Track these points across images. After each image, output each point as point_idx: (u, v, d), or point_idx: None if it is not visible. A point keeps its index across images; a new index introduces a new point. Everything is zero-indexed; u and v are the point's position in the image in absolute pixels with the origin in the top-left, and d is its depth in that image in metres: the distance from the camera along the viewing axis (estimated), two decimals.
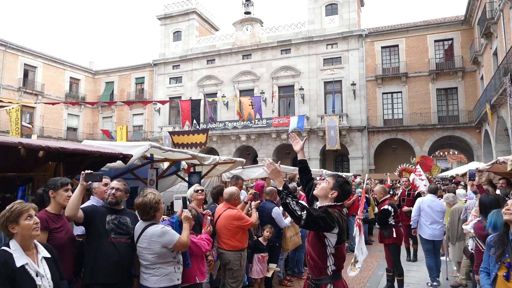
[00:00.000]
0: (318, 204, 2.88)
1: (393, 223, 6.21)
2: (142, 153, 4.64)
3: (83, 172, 3.21)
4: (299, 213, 2.49)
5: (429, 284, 6.66)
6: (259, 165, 8.63)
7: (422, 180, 9.30)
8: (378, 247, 9.90)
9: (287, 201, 2.52)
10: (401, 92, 25.64)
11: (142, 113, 33.39)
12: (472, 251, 5.12)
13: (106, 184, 3.82)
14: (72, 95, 34.20)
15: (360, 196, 9.45)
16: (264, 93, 27.95)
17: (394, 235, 6.13)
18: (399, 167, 12.44)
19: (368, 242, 10.64)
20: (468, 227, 4.93)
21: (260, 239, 5.70)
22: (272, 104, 27.03)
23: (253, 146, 28.45)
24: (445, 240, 7.20)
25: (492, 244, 3.09)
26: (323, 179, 2.92)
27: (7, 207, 2.45)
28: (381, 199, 6.47)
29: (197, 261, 3.94)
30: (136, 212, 3.45)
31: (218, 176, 8.05)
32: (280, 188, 2.57)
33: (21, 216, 2.42)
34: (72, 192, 3.25)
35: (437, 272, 6.66)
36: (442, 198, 7.80)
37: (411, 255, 8.86)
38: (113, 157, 4.21)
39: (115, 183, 3.50)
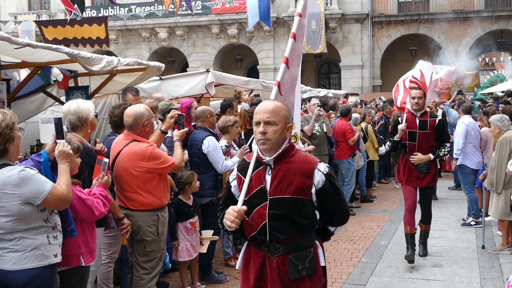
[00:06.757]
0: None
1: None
2: None
3: None
4: None
5: (473, 223, 8.84)
6: (190, 74, 8.59)
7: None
8: (381, 205, 10.49)
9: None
10: None
11: None
12: None
13: None
14: None
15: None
16: None
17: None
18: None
19: (367, 199, 11.22)
20: None
21: (180, 196, 5.73)
22: None
23: (180, 48, 28.14)
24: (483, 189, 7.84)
25: None
26: None
27: None
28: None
29: (83, 231, 3.96)
30: None
31: (118, 94, 7.97)
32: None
33: None
34: None
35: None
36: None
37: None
38: None
39: None
